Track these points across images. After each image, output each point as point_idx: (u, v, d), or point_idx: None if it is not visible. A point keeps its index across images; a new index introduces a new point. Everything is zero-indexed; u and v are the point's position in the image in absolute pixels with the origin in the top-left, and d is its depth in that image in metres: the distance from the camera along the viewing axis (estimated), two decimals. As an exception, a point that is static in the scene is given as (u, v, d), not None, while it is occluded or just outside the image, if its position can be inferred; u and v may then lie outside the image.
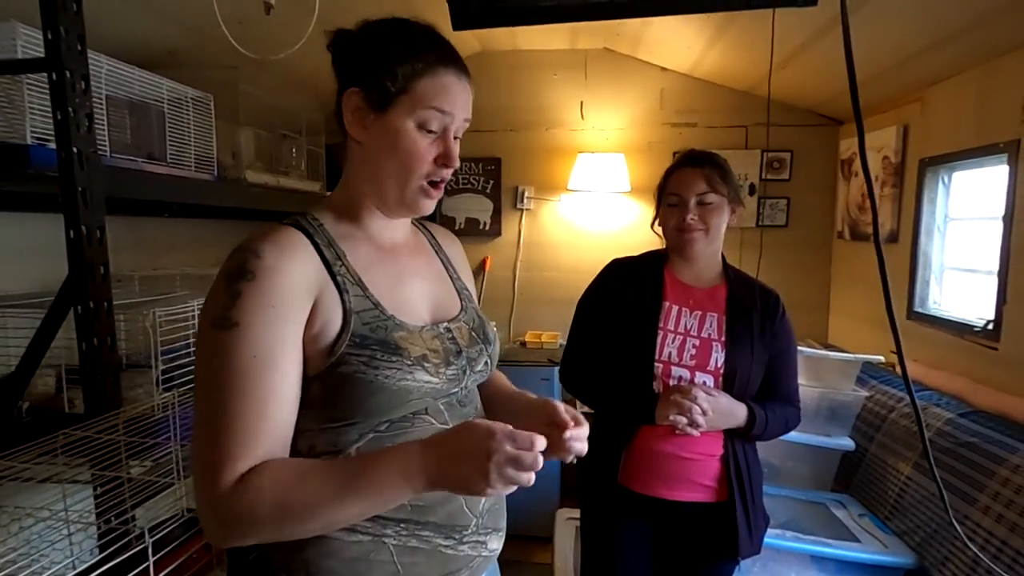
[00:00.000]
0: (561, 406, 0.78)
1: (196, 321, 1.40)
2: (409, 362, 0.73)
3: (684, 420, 1.17)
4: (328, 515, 0.66)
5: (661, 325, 1.28)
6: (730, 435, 1.28)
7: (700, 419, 1.17)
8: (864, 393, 2.07)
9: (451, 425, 0.77)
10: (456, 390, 0.80)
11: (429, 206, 0.80)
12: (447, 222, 3.03)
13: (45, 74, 1.06)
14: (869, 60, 2.00)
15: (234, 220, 2.32)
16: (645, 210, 2.93)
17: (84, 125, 1.08)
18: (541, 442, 0.64)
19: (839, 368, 2.08)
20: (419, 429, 0.75)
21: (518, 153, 3.06)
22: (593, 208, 3.02)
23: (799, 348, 1.50)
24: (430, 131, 0.76)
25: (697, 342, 1.28)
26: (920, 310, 2.16)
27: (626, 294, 1.33)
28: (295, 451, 0.71)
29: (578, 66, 2.98)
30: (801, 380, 1.40)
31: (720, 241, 1.33)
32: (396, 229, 0.85)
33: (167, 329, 1.36)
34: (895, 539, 1.70)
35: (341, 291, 0.73)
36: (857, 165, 2.63)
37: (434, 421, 0.76)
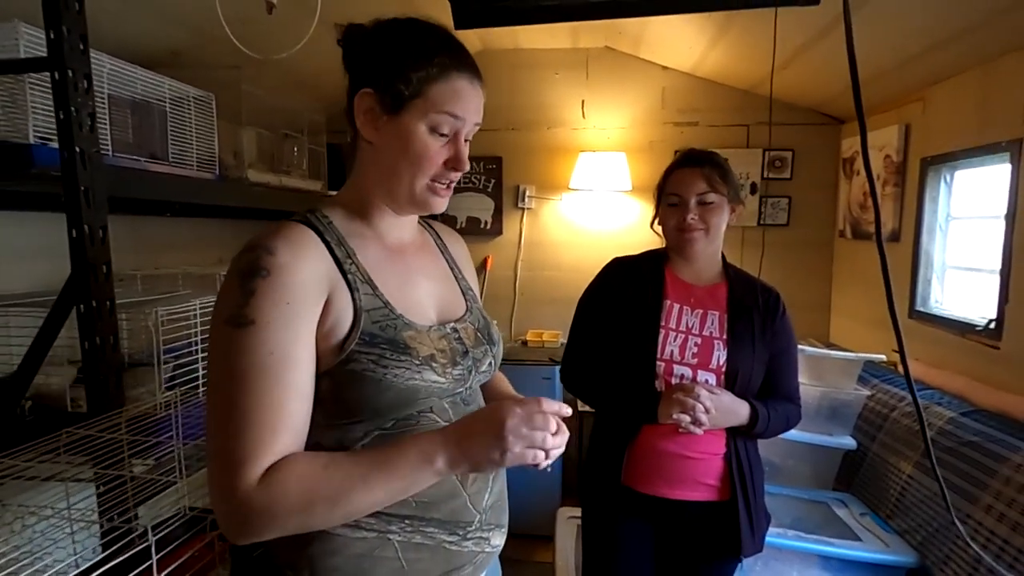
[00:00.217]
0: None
1: (198, 320, 1.41)
2: (418, 362, 0.74)
3: (687, 418, 1.17)
4: (353, 504, 0.67)
5: (663, 323, 1.28)
6: (732, 433, 1.28)
7: (703, 417, 1.17)
8: (866, 392, 2.07)
9: None
10: (461, 390, 0.81)
11: (440, 204, 0.81)
12: (448, 221, 3.03)
13: (48, 73, 1.06)
14: (871, 59, 2.00)
15: (236, 220, 2.33)
16: (646, 209, 2.93)
17: (86, 124, 1.08)
18: (548, 402, 0.69)
19: (841, 367, 2.08)
20: (424, 427, 0.76)
21: (519, 152, 3.06)
22: (594, 207, 3.02)
23: (801, 347, 1.50)
24: (442, 134, 0.76)
25: (699, 340, 1.28)
26: (922, 309, 2.16)
27: (627, 293, 1.33)
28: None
29: (579, 65, 2.98)
30: (803, 379, 1.40)
31: (720, 240, 1.33)
32: (404, 228, 0.86)
33: (169, 328, 1.36)
34: (897, 538, 1.70)
35: (352, 289, 0.73)
36: (858, 164, 2.63)
37: (439, 420, 0.77)
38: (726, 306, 1.31)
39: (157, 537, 0.90)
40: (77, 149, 1.07)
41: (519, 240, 3.11)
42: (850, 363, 2.08)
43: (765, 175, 2.89)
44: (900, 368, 2.23)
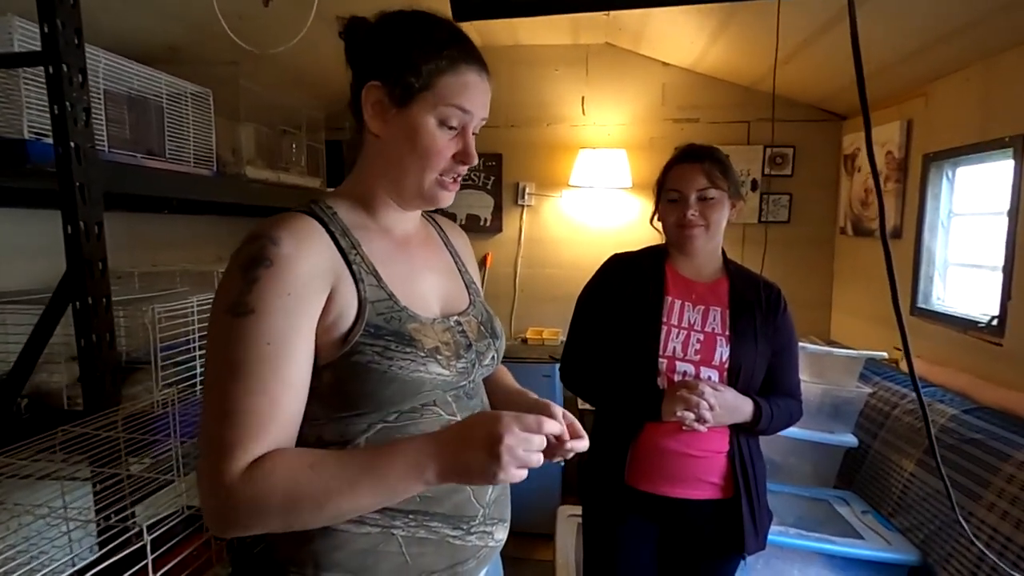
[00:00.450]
0: (560, 411, 0.76)
1: (196, 318, 1.40)
2: (423, 354, 0.73)
3: (691, 416, 1.16)
4: (337, 506, 0.65)
5: (664, 320, 1.27)
6: (735, 431, 1.27)
7: (707, 414, 1.16)
8: (867, 389, 2.06)
9: (458, 417, 0.78)
10: (464, 383, 0.80)
11: (447, 198, 0.80)
12: (448, 218, 3.01)
13: (42, 68, 1.05)
14: (873, 55, 1.99)
15: (234, 216, 2.31)
16: (647, 206, 2.92)
17: (82, 120, 1.07)
18: (548, 424, 0.67)
19: (842, 364, 2.07)
20: (427, 420, 0.75)
21: (519, 149, 3.05)
22: (595, 204, 3.00)
23: (802, 345, 1.49)
24: (450, 128, 0.76)
25: (701, 336, 1.27)
26: (924, 306, 2.15)
27: (627, 290, 1.32)
28: (302, 440, 0.71)
29: (579, 61, 2.97)
30: (804, 377, 1.39)
31: (720, 236, 1.32)
32: (408, 222, 0.85)
33: (167, 326, 1.35)
34: (899, 536, 1.69)
35: (357, 280, 0.73)
36: (860, 160, 2.61)
37: (442, 413, 0.77)
38: (728, 302, 1.30)
39: (153, 536, 0.89)
40: (72, 145, 1.06)
41: (519, 237, 3.10)
42: (851, 360, 2.07)
43: (766, 172, 2.88)
44: (901, 365, 2.22)
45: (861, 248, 2.63)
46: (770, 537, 1.35)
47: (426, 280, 0.83)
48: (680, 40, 2.62)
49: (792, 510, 1.87)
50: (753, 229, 2.84)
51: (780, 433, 1.35)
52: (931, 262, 2.14)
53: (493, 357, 0.87)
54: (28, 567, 0.88)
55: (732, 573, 1.34)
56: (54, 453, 1.02)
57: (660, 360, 1.25)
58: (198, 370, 1.41)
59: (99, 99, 1.30)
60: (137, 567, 0.87)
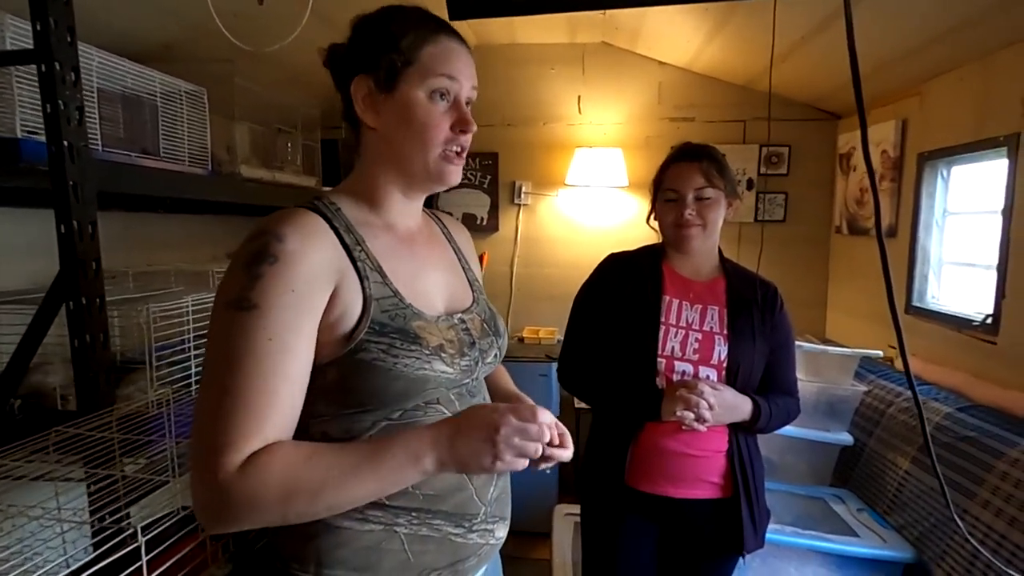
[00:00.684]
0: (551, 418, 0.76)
1: (191, 317, 1.39)
2: (427, 351, 0.73)
3: (691, 415, 1.16)
4: (334, 497, 0.65)
5: (663, 319, 1.27)
6: (734, 430, 1.27)
7: (707, 414, 1.16)
8: (862, 388, 2.07)
9: None
10: (468, 380, 0.81)
11: (455, 172, 0.79)
12: (444, 218, 3.01)
13: (34, 66, 1.05)
14: (868, 54, 1.99)
15: (229, 216, 2.30)
16: (643, 205, 2.92)
17: (75, 118, 1.06)
18: (543, 413, 0.69)
19: (838, 363, 2.08)
20: (431, 418, 0.75)
21: (515, 148, 3.04)
22: (591, 203, 3.01)
23: (798, 343, 1.50)
24: (442, 98, 0.76)
25: (700, 336, 1.27)
26: (919, 304, 2.16)
27: (625, 289, 1.32)
28: (307, 438, 0.71)
29: (576, 60, 2.96)
30: (800, 375, 1.40)
31: (717, 235, 1.32)
32: (412, 217, 0.85)
33: (161, 326, 1.34)
34: (894, 534, 1.70)
35: (361, 277, 0.73)
36: (855, 160, 2.62)
37: (446, 411, 0.77)
38: (725, 301, 1.30)
39: (148, 537, 0.89)
40: (65, 143, 1.05)
41: (515, 236, 3.10)
42: (847, 359, 2.08)
43: (762, 171, 2.88)
44: (897, 363, 2.23)
45: (856, 247, 2.64)
46: (767, 535, 1.36)
47: (430, 277, 0.83)
48: (676, 39, 2.62)
49: (788, 508, 1.88)
50: (749, 228, 2.85)
51: (776, 431, 1.35)
52: (926, 261, 2.15)
53: (496, 355, 0.87)
54: (22, 569, 0.87)
55: (731, 572, 1.34)
56: (48, 454, 1.02)
57: (659, 360, 1.25)
58: (193, 370, 1.40)
59: (92, 97, 1.29)
60: (132, 568, 0.86)
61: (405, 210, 0.83)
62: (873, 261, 2.35)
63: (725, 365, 1.25)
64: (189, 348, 1.40)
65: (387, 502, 0.73)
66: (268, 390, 0.65)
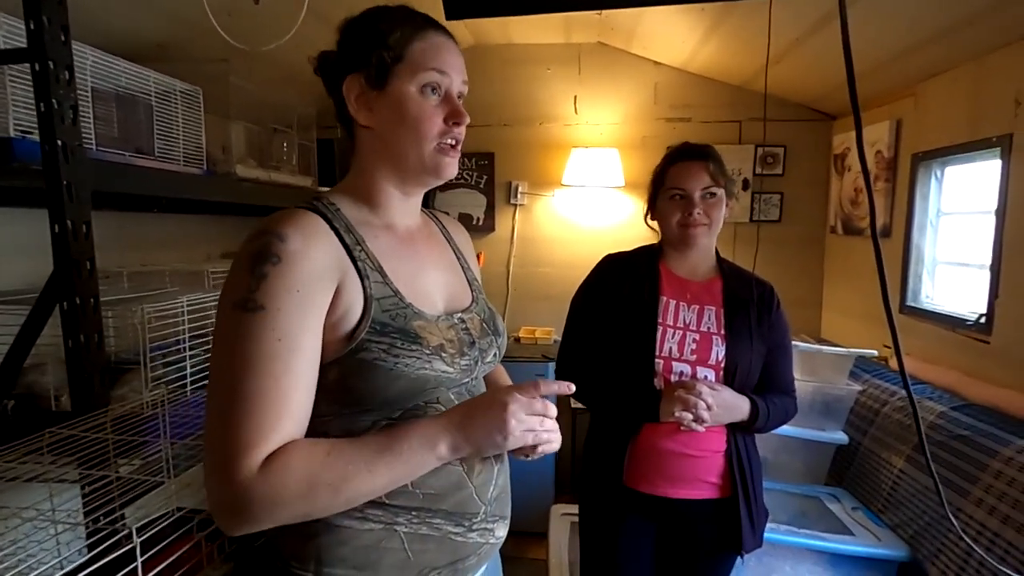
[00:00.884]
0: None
1: (186, 318, 1.39)
2: (428, 351, 0.74)
3: (689, 416, 1.16)
4: (356, 489, 0.67)
5: (660, 320, 1.27)
6: (732, 430, 1.27)
7: (705, 414, 1.16)
8: (857, 387, 2.08)
9: None
10: (467, 380, 0.81)
11: (452, 165, 0.80)
12: (440, 218, 3.01)
13: (28, 65, 1.04)
14: (863, 55, 1.99)
15: (224, 215, 2.29)
16: (639, 205, 2.92)
17: (69, 117, 1.06)
18: (545, 385, 0.73)
19: (833, 362, 2.09)
20: None
21: (511, 148, 3.05)
22: (587, 203, 3.01)
23: (793, 343, 1.50)
24: (433, 92, 0.77)
25: (697, 336, 1.27)
26: (913, 304, 2.17)
27: (622, 290, 1.32)
28: (309, 436, 0.71)
29: (572, 60, 2.97)
30: (795, 374, 1.40)
31: (717, 234, 1.33)
32: (410, 216, 0.86)
33: (156, 326, 1.33)
34: (888, 532, 1.71)
35: (362, 277, 0.73)
36: (850, 160, 2.63)
37: (445, 410, 0.77)
38: (722, 301, 1.30)
39: (143, 538, 0.88)
40: (59, 143, 1.04)
41: (512, 236, 3.10)
42: (842, 358, 2.09)
43: (757, 171, 2.89)
44: (891, 363, 2.24)
45: (851, 247, 2.65)
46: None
47: (430, 277, 0.83)
48: (672, 39, 2.63)
49: (784, 507, 1.88)
50: (744, 228, 2.86)
51: (772, 431, 1.36)
52: (920, 261, 2.17)
53: (495, 354, 0.87)
54: (16, 571, 0.87)
55: (729, 572, 1.34)
56: (42, 455, 1.01)
57: (656, 361, 1.25)
58: (188, 371, 1.39)
59: (87, 97, 1.28)
60: (127, 570, 0.86)
61: (404, 209, 0.83)
62: (868, 261, 2.36)
63: (723, 365, 1.25)
64: (184, 348, 1.39)
65: (387, 501, 0.73)
66: (281, 390, 0.65)
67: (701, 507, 1.27)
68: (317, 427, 0.72)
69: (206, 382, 1.42)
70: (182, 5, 1.63)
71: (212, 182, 1.73)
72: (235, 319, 0.66)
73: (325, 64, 0.80)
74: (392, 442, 0.69)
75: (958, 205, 2.07)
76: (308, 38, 1.24)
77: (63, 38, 1.05)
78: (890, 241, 2.27)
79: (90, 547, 0.97)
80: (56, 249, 1.07)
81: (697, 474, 1.26)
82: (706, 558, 1.31)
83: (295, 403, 0.67)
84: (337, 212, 0.76)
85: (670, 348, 1.26)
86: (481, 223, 3.09)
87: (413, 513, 0.74)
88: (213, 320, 1.41)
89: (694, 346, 1.26)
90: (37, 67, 1.03)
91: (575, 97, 2.99)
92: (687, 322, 1.28)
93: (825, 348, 2.18)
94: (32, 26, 1.02)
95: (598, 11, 2.37)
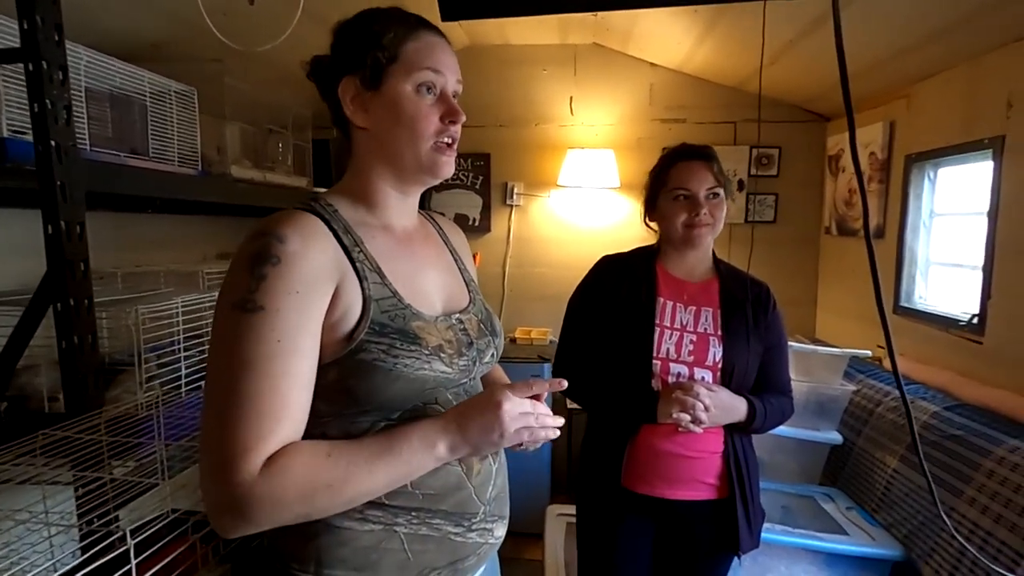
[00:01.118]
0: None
1: (181, 319, 1.38)
2: (427, 352, 0.74)
3: (687, 417, 1.16)
4: (355, 490, 0.68)
5: (657, 321, 1.28)
6: (729, 431, 1.27)
7: (703, 415, 1.16)
8: (851, 387, 2.09)
9: None
10: (465, 380, 0.82)
11: (448, 164, 0.80)
12: (436, 218, 3.01)
13: (21, 65, 1.03)
14: (857, 56, 2.01)
15: (219, 216, 2.29)
16: (635, 206, 2.92)
17: (62, 118, 1.05)
18: (538, 384, 0.75)
19: (827, 362, 2.10)
20: None
21: (507, 149, 3.05)
22: (583, 204, 3.01)
23: (788, 343, 1.50)
24: (428, 91, 0.77)
25: (694, 337, 1.27)
26: (906, 305, 2.18)
27: (620, 291, 1.32)
28: (307, 437, 0.71)
29: (567, 61, 2.97)
30: (790, 375, 1.40)
31: (718, 234, 1.33)
32: (408, 217, 0.86)
33: (151, 327, 1.33)
34: (882, 531, 1.72)
35: (360, 278, 0.73)
36: (844, 161, 2.65)
37: (443, 411, 0.78)
38: (719, 302, 1.30)
39: (137, 540, 0.88)
40: (52, 143, 1.04)
41: (507, 237, 3.10)
42: (836, 358, 2.10)
43: (752, 172, 2.91)
44: (885, 363, 2.26)
45: (845, 248, 2.67)
46: (757, 534, 1.36)
47: (428, 277, 0.84)
48: (667, 41, 2.63)
49: (778, 507, 1.89)
50: (739, 229, 2.87)
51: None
52: (913, 261, 2.18)
53: (492, 354, 0.88)
54: (9, 573, 0.86)
55: (726, 572, 1.34)
56: (35, 457, 1.00)
57: (654, 362, 1.25)
58: (183, 372, 1.39)
59: (80, 97, 1.27)
60: (121, 572, 0.85)
61: (401, 210, 0.83)
62: (862, 262, 2.38)
63: (720, 366, 1.25)
64: (179, 349, 1.39)
65: (387, 502, 0.73)
66: (281, 391, 0.65)
67: (699, 508, 1.27)
68: (316, 428, 0.72)
69: (201, 383, 1.42)
70: (177, 5, 1.63)
71: (207, 183, 1.72)
72: (234, 319, 0.66)
73: (318, 69, 0.80)
74: (392, 443, 0.70)
75: (951, 206, 2.08)
76: (303, 39, 1.24)
77: (57, 38, 1.05)
78: (883, 242, 2.28)
79: (84, 549, 0.96)
80: (49, 250, 1.06)
81: (695, 475, 1.26)
82: (704, 559, 1.31)
83: (294, 404, 0.67)
84: (335, 213, 0.76)
85: (667, 349, 1.26)
86: (477, 224, 3.09)
87: (413, 514, 0.75)
88: (208, 321, 1.41)
89: (691, 347, 1.26)
90: (30, 67, 1.02)
91: (571, 98, 3.00)
92: (684, 323, 1.28)
93: (819, 348, 2.19)
94: (25, 26, 1.01)
95: (594, 12, 2.38)
